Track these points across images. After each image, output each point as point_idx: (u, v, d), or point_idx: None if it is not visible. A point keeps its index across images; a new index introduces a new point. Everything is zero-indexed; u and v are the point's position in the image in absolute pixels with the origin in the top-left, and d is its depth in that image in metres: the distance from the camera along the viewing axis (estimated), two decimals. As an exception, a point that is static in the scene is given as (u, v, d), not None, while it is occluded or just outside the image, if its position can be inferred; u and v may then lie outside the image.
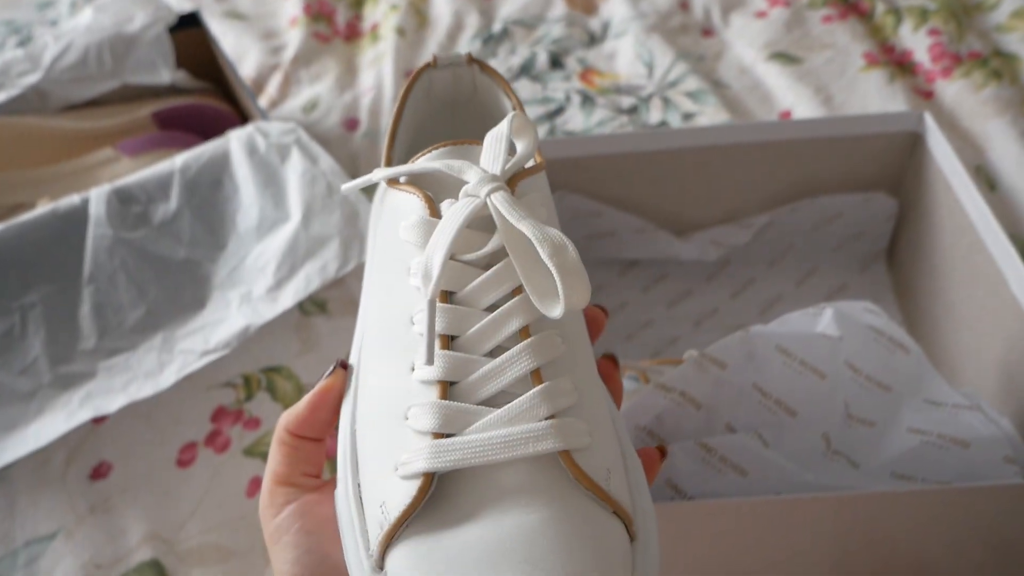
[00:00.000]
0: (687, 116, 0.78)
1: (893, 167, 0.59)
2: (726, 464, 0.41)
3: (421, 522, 0.25)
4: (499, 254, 0.29)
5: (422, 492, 0.25)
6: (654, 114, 0.79)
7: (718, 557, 0.43)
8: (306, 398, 0.32)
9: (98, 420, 0.59)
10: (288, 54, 0.89)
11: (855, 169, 0.59)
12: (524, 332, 0.27)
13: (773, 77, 0.81)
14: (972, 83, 0.76)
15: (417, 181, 0.31)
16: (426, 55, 0.89)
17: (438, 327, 0.27)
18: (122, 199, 0.58)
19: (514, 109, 0.36)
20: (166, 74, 0.72)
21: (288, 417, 0.32)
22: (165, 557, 0.52)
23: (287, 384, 0.60)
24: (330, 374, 0.32)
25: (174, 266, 0.58)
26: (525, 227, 0.26)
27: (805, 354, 0.43)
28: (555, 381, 0.27)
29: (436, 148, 0.31)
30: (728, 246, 0.62)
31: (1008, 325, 0.47)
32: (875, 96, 0.77)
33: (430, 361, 0.26)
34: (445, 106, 0.39)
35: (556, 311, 0.26)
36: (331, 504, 0.31)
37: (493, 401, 0.27)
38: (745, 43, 0.85)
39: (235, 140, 0.61)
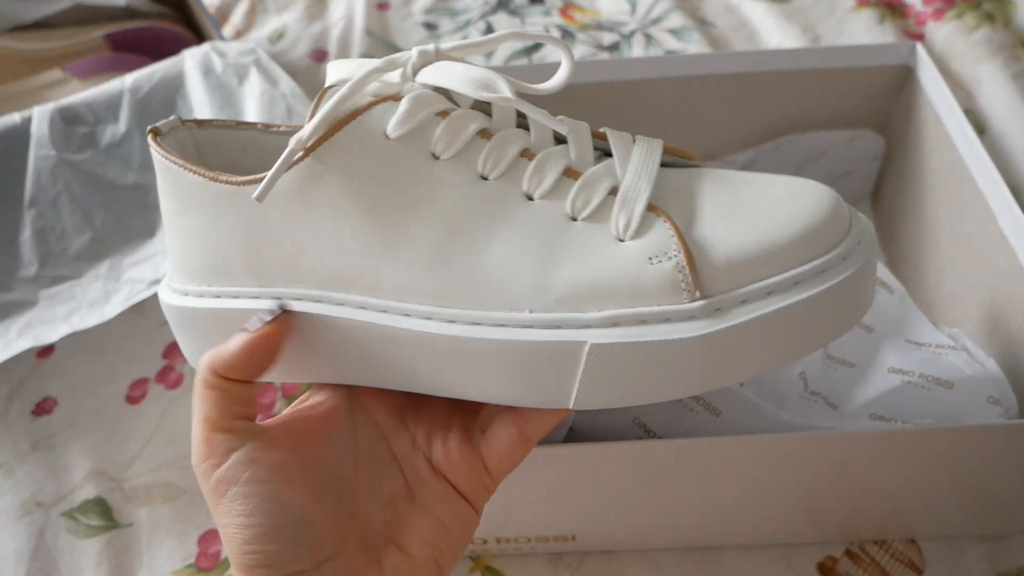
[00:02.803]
0: (670, 54, 0.75)
1: (881, 103, 0.56)
2: (698, 403, 0.39)
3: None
4: None
5: (670, 221, 0.28)
6: (636, 51, 0.76)
7: (689, 493, 0.41)
8: (240, 340, 0.29)
9: (43, 354, 0.56)
10: (255, -19, 0.85)
11: (841, 104, 0.56)
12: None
13: (760, 16, 0.78)
14: (964, 25, 0.73)
15: None
16: (400, -13, 0.85)
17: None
18: (67, 119, 0.54)
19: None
20: (121, -6, 0.68)
21: (216, 359, 0.29)
22: (111, 495, 0.50)
23: (244, 320, 0.57)
24: (272, 321, 0.30)
25: (122, 191, 0.55)
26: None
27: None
28: None
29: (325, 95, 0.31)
30: (708, 185, 0.60)
31: (995, 263, 0.44)
32: (864, 37, 0.74)
33: (563, 128, 0.30)
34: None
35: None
36: (280, 448, 0.29)
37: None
38: (732, -20, 0.82)
39: (190, 59, 0.58)
